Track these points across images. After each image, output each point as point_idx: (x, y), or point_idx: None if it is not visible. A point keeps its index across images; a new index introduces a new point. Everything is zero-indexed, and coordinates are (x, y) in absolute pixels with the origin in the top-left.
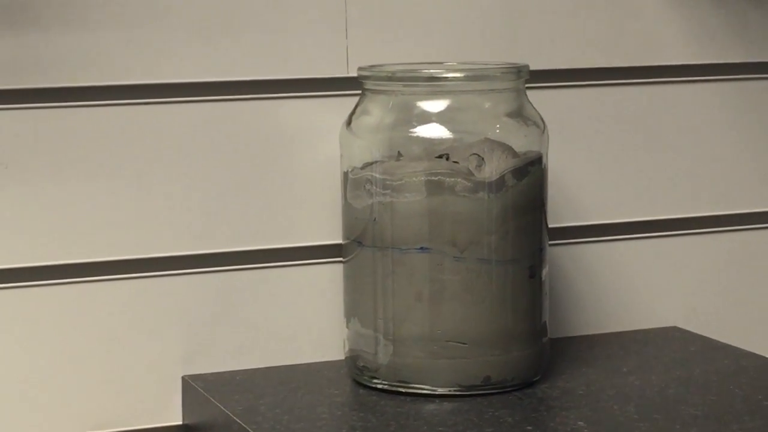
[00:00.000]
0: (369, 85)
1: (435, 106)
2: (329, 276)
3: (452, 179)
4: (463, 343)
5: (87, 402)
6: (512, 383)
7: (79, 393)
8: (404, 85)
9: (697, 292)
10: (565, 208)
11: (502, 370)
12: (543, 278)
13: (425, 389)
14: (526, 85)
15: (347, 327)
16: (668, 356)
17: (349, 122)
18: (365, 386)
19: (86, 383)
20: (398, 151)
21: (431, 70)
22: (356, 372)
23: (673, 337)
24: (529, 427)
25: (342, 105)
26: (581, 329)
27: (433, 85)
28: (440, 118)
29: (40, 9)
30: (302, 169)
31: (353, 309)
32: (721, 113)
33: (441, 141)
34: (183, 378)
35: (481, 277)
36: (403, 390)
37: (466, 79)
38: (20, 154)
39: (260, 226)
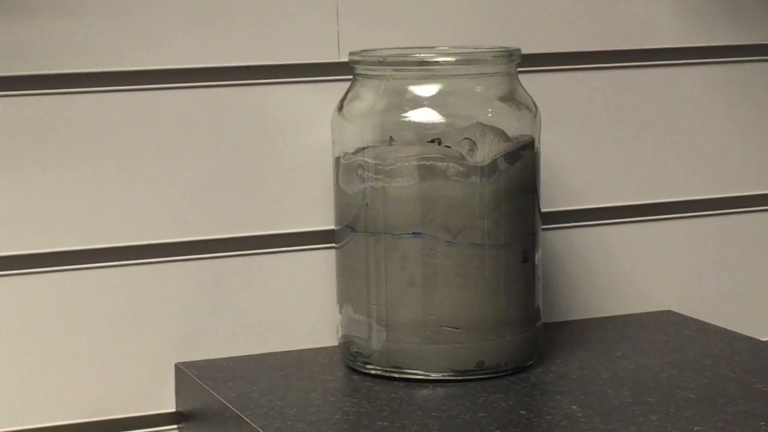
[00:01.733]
0: (360, 69)
1: (426, 90)
2: (322, 262)
3: (444, 164)
4: (456, 328)
5: (80, 390)
6: (506, 368)
7: (72, 381)
8: (395, 70)
9: (691, 275)
10: (557, 192)
11: (496, 354)
12: (536, 263)
13: (419, 374)
14: (518, 69)
15: (340, 313)
16: (662, 340)
17: (340, 107)
18: (358, 372)
19: (79, 371)
20: (390, 136)
21: (422, 55)
22: (349, 358)
23: (667, 321)
24: (522, 412)
25: (333, 90)
26: (575, 313)
27: (425, 70)
28: (432, 102)
29: None
30: (294, 154)
31: (346, 295)
32: (714, 96)
33: (433, 125)
34: (176, 365)
35: (474, 262)
36: (396, 375)
37: (458, 63)
38: (9, 142)
39: (252, 213)
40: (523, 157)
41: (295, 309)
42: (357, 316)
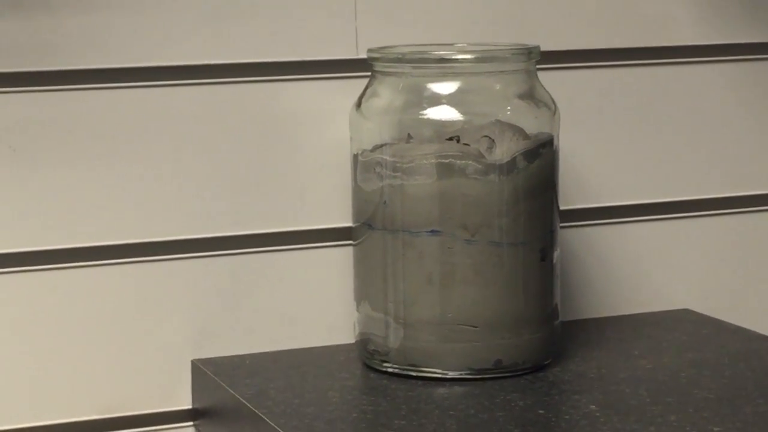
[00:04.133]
0: (379, 66)
1: (445, 87)
2: (339, 259)
3: (463, 162)
4: (474, 327)
5: (96, 386)
6: (523, 366)
7: (88, 377)
8: (414, 67)
9: (709, 274)
10: (576, 190)
11: (514, 353)
12: (554, 261)
13: (436, 373)
14: (537, 67)
15: (357, 310)
16: (680, 339)
17: (358, 104)
18: (376, 370)
19: (95, 367)
20: (408, 134)
21: (441, 52)
22: (367, 355)
23: (684, 320)
24: (540, 411)
25: (352, 87)
26: (592, 312)
27: (444, 67)
28: (450, 100)
29: None
30: (312, 151)
31: (363, 292)
32: (733, 94)
33: (451, 123)
34: (192, 362)
35: (492, 260)
36: (413, 374)
37: (477, 60)
38: (28, 138)
39: (270, 210)
40: (541, 155)
41: (312, 306)
42: (374, 313)
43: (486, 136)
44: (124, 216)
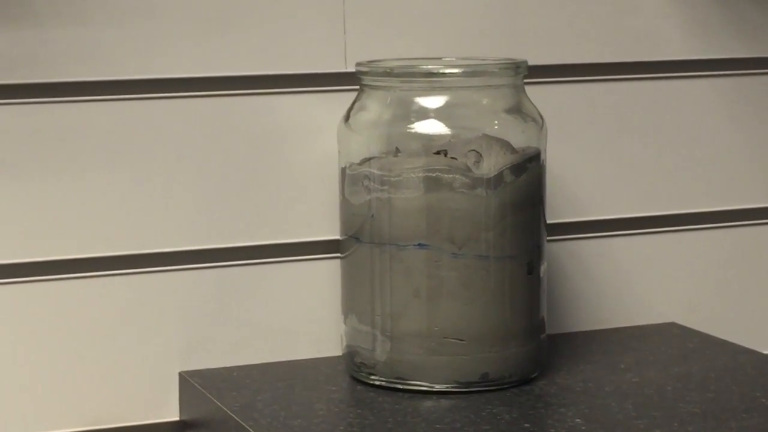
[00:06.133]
0: (367, 80)
1: (433, 102)
2: (327, 272)
3: (450, 175)
4: (461, 340)
5: (84, 398)
6: (510, 380)
7: (76, 389)
8: (402, 81)
9: (696, 288)
10: (563, 204)
11: (500, 366)
12: (541, 274)
13: (423, 386)
14: (525, 81)
15: (345, 323)
16: (666, 353)
17: (347, 118)
18: (363, 382)
19: (83, 379)
20: (396, 147)
21: (429, 66)
22: (354, 368)
23: (671, 334)
24: (526, 425)
25: (340, 100)
26: (579, 325)
27: (431, 81)
28: (438, 114)
29: (37, 4)
30: (300, 164)
31: (351, 305)
32: (720, 108)
33: (439, 137)
34: (180, 374)
35: (479, 274)
36: (400, 386)
37: (464, 74)
38: (16, 150)
39: (257, 222)
40: (529, 169)
41: (300, 318)
42: (361, 326)
43: (473, 150)
44: (111, 228)
